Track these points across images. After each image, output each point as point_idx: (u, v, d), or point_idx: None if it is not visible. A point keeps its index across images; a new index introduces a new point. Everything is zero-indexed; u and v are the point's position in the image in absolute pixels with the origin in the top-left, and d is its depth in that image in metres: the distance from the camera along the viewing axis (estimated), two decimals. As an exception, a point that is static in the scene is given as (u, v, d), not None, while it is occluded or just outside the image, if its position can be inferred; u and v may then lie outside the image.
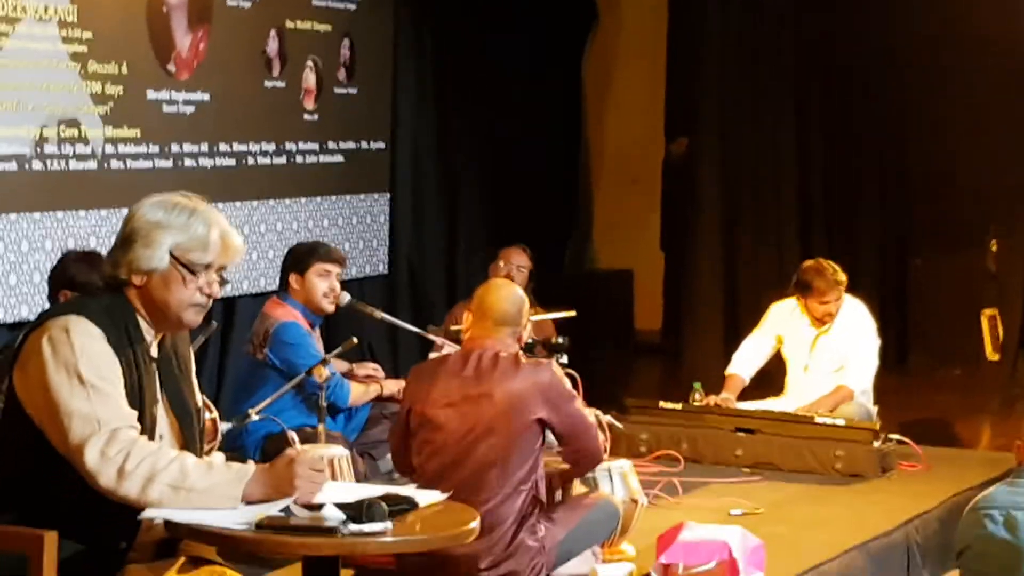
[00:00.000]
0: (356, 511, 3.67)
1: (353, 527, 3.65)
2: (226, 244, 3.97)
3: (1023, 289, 10.24)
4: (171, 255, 3.90)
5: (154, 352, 3.97)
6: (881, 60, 11.28)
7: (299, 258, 7.11)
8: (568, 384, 5.46)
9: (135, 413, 3.82)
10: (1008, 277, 10.39)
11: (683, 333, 11.30)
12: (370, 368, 7.47)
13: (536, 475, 5.41)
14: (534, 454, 5.38)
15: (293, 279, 7.07)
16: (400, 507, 3.81)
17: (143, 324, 3.93)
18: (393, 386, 7.24)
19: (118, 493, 3.72)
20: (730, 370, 8.14)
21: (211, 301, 3.99)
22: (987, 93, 10.67)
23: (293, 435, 5.89)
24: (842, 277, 7.91)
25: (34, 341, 3.83)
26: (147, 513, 3.74)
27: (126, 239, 3.93)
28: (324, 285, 7.07)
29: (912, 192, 11.44)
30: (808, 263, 8.07)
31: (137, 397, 3.85)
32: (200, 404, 4.14)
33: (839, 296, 7.89)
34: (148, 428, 3.87)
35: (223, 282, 4.01)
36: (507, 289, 5.52)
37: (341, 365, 7.29)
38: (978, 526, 3.74)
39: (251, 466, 3.85)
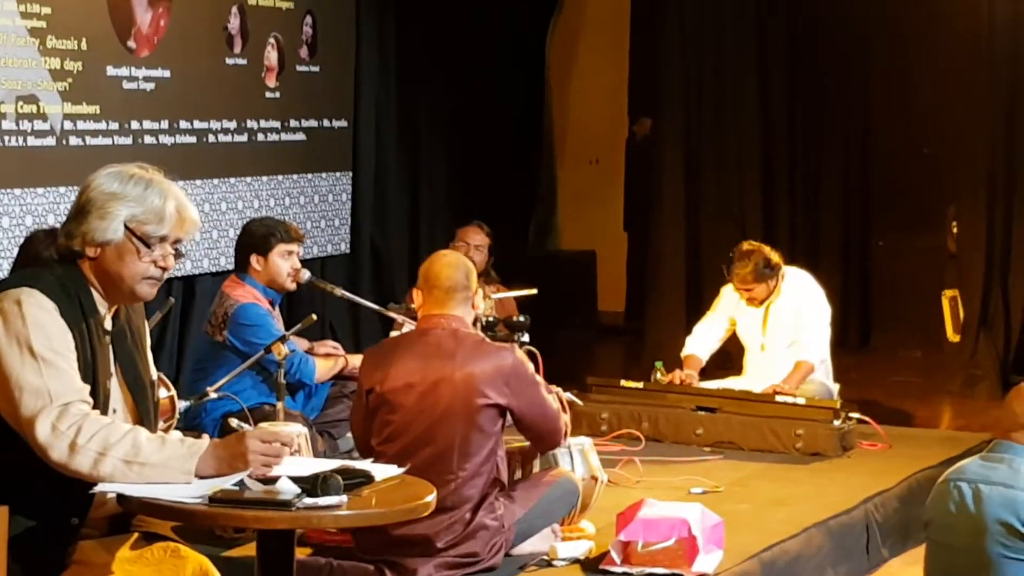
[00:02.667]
0: (311, 485, 3.64)
1: (308, 500, 3.61)
2: (182, 217, 3.93)
3: (984, 270, 10.25)
4: (126, 227, 3.86)
5: (108, 325, 3.93)
6: (846, 42, 11.31)
7: (260, 239, 7.04)
8: (531, 368, 5.42)
9: (87, 387, 3.78)
10: (969, 258, 10.40)
11: (646, 314, 11.29)
12: (330, 346, 7.43)
13: (496, 457, 5.39)
14: (494, 436, 5.35)
15: (255, 260, 7.01)
16: (356, 481, 3.77)
17: (96, 296, 3.89)
18: (358, 360, 7.18)
19: (70, 467, 3.68)
20: (686, 351, 8.12)
21: (165, 274, 3.94)
22: (950, 75, 10.68)
23: (236, 421, 5.79)
24: (774, 260, 7.84)
25: (-15, 314, 3.79)
26: (100, 487, 3.70)
27: (81, 210, 3.88)
28: (287, 265, 7.03)
29: (875, 174, 11.48)
30: (743, 244, 8.02)
31: (90, 370, 3.82)
32: (154, 378, 4.10)
33: (752, 288, 7.83)
34: (101, 402, 3.84)
35: (178, 255, 3.96)
36: (449, 257, 5.48)
37: (301, 343, 7.25)
38: (947, 497, 3.73)
39: (205, 441, 3.81)
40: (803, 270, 8.16)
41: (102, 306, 3.92)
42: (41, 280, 3.84)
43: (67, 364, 3.75)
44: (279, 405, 6.31)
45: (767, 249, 7.92)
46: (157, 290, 3.97)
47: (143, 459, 3.70)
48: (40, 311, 3.76)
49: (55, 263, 3.94)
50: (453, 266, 5.38)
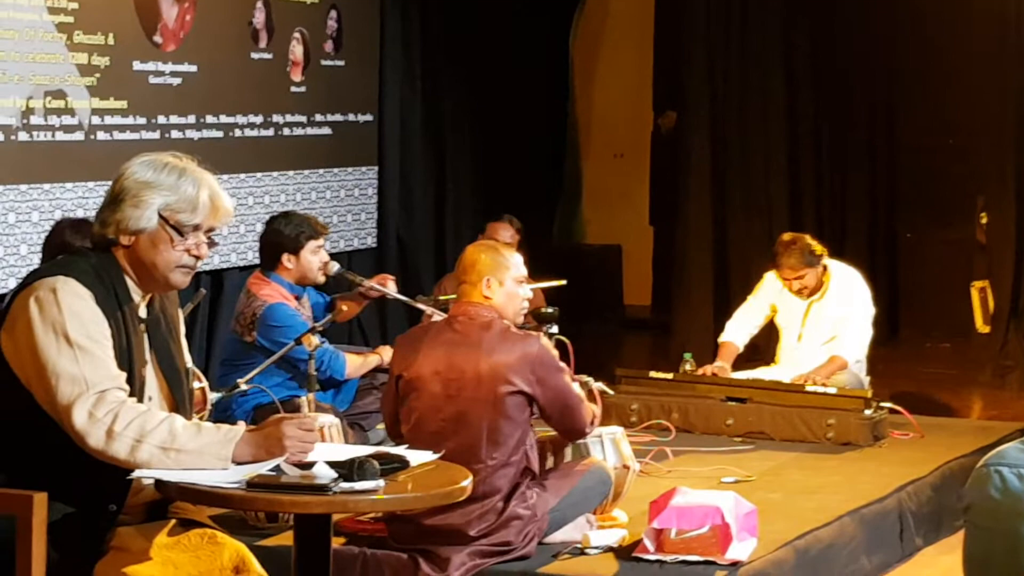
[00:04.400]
0: (347, 469, 3.63)
1: (344, 485, 3.61)
2: (215, 205, 3.92)
3: (1013, 261, 10.22)
4: (160, 215, 3.85)
5: (143, 313, 3.93)
6: (871, 33, 11.27)
7: (290, 239, 7.04)
8: (557, 357, 5.42)
9: (123, 374, 3.77)
10: (998, 249, 10.37)
11: (673, 307, 11.27)
12: (376, 280, 7.37)
13: (526, 446, 5.38)
14: (523, 425, 5.35)
15: (287, 259, 7.02)
16: (392, 466, 3.76)
17: (131, 284, 3.89)
18: (390, 354, 7.14)
19: (107, 454, 3.68)
20: (723, 338, 8.11)
21: (199, 263, 3.94)
22: (977, 65, 10.65)
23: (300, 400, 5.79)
24: (818, 250, 7.83)
25: (21, 302, 3.79)
26: (137, 473, 3.70)
27: (115, 198, 3.88)
28: (317, 260, 7.07)
29: (902, 165, 11.44)
30: (784, 236, 8.03)
31: (126, 358, 3.81)
32: (189, 366, 4.10)
33: (803, 274, 7.82)
34: (137, 390, 3.83)
35: (212, 244, 3.96)
36: (470, 246, 5.57)
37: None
38: (988, 482, 3.71)
39: (240, 427, 3.80)
40: (853, 268, 8.12)
41: (136, 294, 3.91)
42: (76, 268, 3.84)
43: (103, 351, 3.75)
44: (309, 396, 6.31)
45: (808, 238, 7.91)
46: (191, 279, 3.97)
47: (179, 446, 3.69)
48: (75, 299, 3.76)
49: (90, 251, 3.94)
50: (469, 254, 5.47)
